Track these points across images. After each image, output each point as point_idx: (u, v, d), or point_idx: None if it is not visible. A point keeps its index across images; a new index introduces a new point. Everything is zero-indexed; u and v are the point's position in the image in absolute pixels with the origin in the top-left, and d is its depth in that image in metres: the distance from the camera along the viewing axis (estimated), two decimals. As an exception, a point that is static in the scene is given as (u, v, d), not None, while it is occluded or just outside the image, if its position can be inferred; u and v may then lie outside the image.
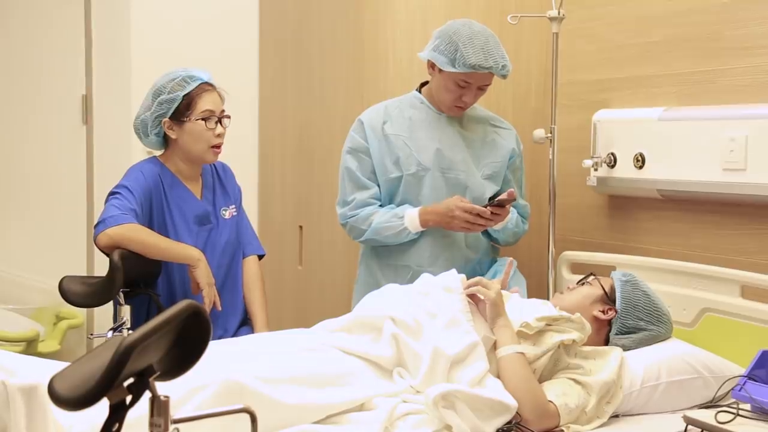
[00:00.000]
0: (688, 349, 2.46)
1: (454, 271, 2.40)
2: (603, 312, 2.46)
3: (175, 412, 1.31)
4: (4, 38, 4.45)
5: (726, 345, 2.53)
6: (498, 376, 2.15)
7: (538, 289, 3.07)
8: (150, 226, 2.65)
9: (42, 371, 1.93)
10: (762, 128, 2.57)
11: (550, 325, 2.26)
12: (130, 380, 1.26)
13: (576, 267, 3.09)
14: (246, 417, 1.40)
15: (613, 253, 3.02)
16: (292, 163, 3.82)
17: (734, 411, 1.99)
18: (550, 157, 3.01)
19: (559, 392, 2.14)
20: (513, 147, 2.92)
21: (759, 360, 2.15)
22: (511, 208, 2.84)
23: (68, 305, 2.66)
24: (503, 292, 2.36)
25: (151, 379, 1.27)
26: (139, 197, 2.62)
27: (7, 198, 4.47)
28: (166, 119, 2.67)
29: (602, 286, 2.51)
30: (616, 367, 2.24)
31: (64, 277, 2.54)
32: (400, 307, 2.23)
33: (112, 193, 2.63)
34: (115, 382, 1.21)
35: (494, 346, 2.20)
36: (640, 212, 3.02)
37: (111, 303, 2.64)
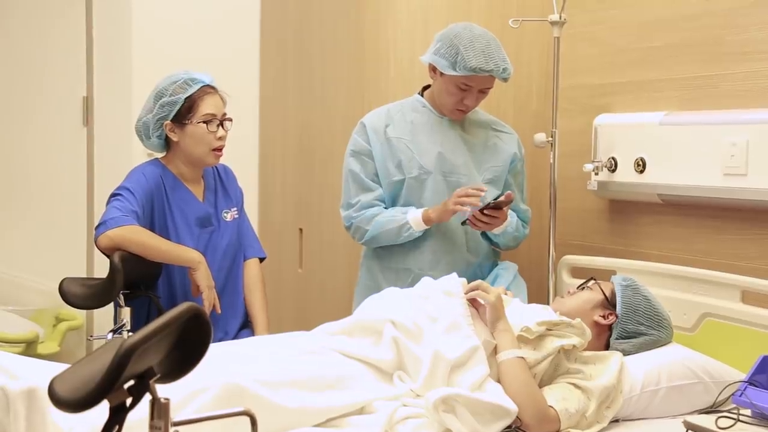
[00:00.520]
0: (688, 354, 2.46)
1: (454, 274, 2.40)
2: (603, 317, 2.45)
3: (175, 415, 1.31)
4: (5, 39, 4.45)
5: (726, 350, 2.53)
6: (498, 381, 2.15)
7: (538, 293, 3.07)
8: (151, 228, 2.65)
9: (42, 373, 1.93)
10: (763, 133, 2.56)
11: (550, 329, 2.25)
12: (131, 382, 1.26)
13: (576, 271, 3.09)
14: (246, 420, 1.39)
15: (614, 257, 3.02)
16: (292, 165, 3.82)
17: (735, 416, 1.99)
18: (551, 161, 3.01)
19: (560, 397, 2.14)
20: (515, 151, 2.92)
21: (760, 365, 2.15)
22: (512, 213, 2.83)
23: (68, 307, 2.66)
24: (503, 296, 2.36)
25: (151, 382, 1.27)
26: (141, 199, 2.62)
27: (8, 199, 4.47)
28: (168, 122, 2.67)
29: (602, 290, 2.50)
30: (617, 372, 2.23)
31: (64, 279, 2.54)
32: (400, 311, 2.23)
33: (113, 195, 2.63)
34: (115, 385, 1.21)
35: (494, 351, 2.20)
36: (640, 217, 3.02)
37: (111, 305, 2.64)
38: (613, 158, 3.02)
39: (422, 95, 2.92)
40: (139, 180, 2.66)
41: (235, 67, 3.84)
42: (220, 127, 2.71)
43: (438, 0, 3.25)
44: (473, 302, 2.29)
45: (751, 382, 2.08)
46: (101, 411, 1.25)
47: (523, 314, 2.35)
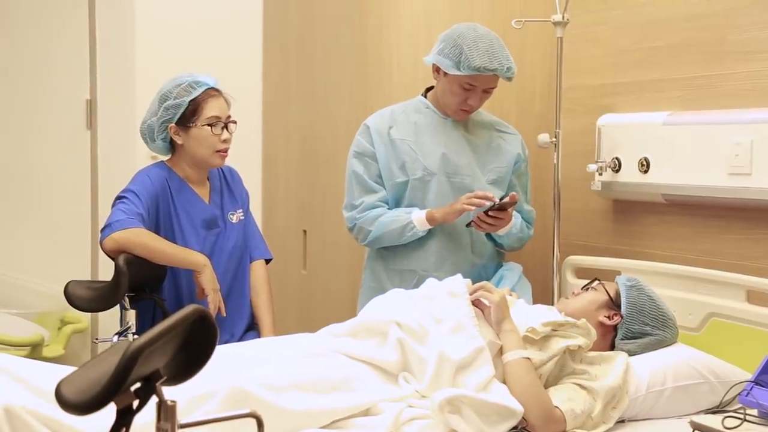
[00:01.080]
0: (693, 354, 2.46)
1: (459, 275, 2.40)
2: (608, 317, 2.45)
3: (180, 419, 1.31)
4: (8, 42, 4.46)
5: (732, 350, 2.52)
6: (504, 381, 2.15)
7: (543, 293, 3.07)
8: (157, 231, 2.65)
9: (47, 375, 1.94)
10: (767, 133, 2.56)
11: (555, 330, 2.25)
12: (137, 385, 1.26)
13: (581, 272, 3.09)
14: (252, 422, 1.40)
15: (618, 257, 3.01)
16: (295, 167, 3.82)
17: (741, 416, 1.99)
18: (555, 161, 3.01)
19: (565, 398, 2.14)
20: (518, 152, 2.92)
21: (766, 365, 2.15)
22: (516, 214, 2.83)
23: (73, 310, 2.66)
24: (508, 297, 2.36)
25: (157, 384, 1.27)
26: (146, 202, 2.62)
27: (12, 202, 4.48)
28: (173, 125, 2.68)
29: (607, 291, 2.50)
30: (622, 372, 2.23)
31: (69, 282, 2.54)
32: (405, 312, 2.24)
33: (119, 198, 2.63)
34: (122, 387, 1.21)
35: (500, 351, 2.20)
36: (644, 217, 3.02)
37: (116, 307, 2.64)
38: (616, 158, 3.02)
39: (425, 96, 2.92)
40: (144, 182, 2.67)
41: (238, 69, 3.84)
42: (225, 130, 2.71)
43: (441, 3, 3.26)
44: (478, 303, 2.29)
45: (757, 381, 2.08)
46: (105, 414, 1.25)
47: (528, 315, 2.35)
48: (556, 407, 2.12)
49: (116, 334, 2.54)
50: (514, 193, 2.70)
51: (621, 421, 2.24)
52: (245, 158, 3.79)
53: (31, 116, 4.39)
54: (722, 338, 2.59)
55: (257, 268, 2.89)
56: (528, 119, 3.35)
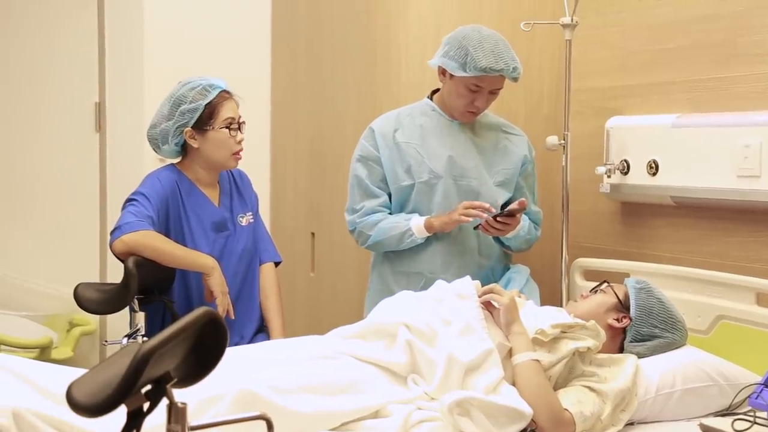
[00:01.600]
0: (703, 357, 2.45)
1: (468, 277, 2.40)
2: (617, 320, 2.45)
3: (190, 421, 1.31)
4: (17, 45, 4.47)
5: (741, 352, 2.52)
6: (513, 383, 2.14)
7: (551, 296, 3.07)
8: (167, 233, 2.66)
9: (57, 377, 1.94)
10: (776, 135, 2.56)
11: (565, 332, 2.25)
12: (148, 387, 1.26)
13: (589, 274, 3.09)
14: (262, 425, 1.40)
15: (627, 260, 3.01)
16: (304, 169, 3.83)
17: (751, 419, 1.99)
18: (564, 164, 3.01)
19: (575, 400, 2.14)
20: (525, 153, 2.92)
21: (775, 368, 2.14)
22: (524, 216, 2.83)
23: (81, 312, 2.67)
24: (517, 299, 2.35)
25: (168, 386, 1.27)
26: (156, 204, 2.63)
27: (21, 205, 4.49)
28: (189, 129, 2.68)
29: (616, 293, 2.50)
30: (631, 375, 2.23)
31: (79, 284, 2.55)
32: (414, 314, 2.23)
33: (128, 200, 2.64)
34: (133, 389, 1.21)
35: (509, 354, 2.20)
36: (653, 219, 3.02)
37: (125, 310, 2.64)
38: (625, 161, 3.02)
39: (431, 99, 2.92)
40: (154, 185, 2.67)
41: (246, 71, 3.84)
42: (239, 131, 2.72)
43: (449, 4, 3.26)
44: (487, 305, 2.29)
45: (767, 384, 2.07)
46: (114, 416, 1.25)
47: (537, 317, 2.35)
48: (566, 409, 2.11)
49: (125, 336, 2.55)
50: (523, 199, 2.69)
51: (630, 424, 2.24)
52: (253, 160, 3.78)
53: (40, 119, 4.41)
54: (731, 341, 2.59)
55: (267, 270, 2.89)
56: (536, 121, 3.35)
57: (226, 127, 2.69)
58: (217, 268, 2.63)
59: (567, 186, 3.02)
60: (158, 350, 1.21)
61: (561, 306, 2.85)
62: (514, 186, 2.90)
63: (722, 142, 2.70)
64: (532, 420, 2.05)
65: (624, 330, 2.46)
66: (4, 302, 4.21)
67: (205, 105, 2.67)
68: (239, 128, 2.73)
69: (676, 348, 2.50)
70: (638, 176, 2.98)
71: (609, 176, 3.05)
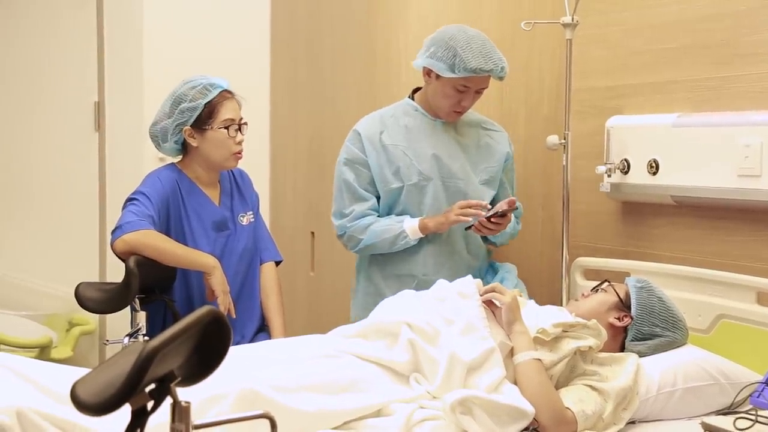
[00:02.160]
0: (703, 356, 2.46)
1: (469, 276, 2.40)
2: (618, 319, 2.45)
3: (194, 420, 1.31)
4: (16, 44, 4.47)
5: (742, 351, 2.52)
6: (515, 382, 2.15)
7: (551, 295, 3.07)
8: (167, 233, 2.66)
9: (58, 376, 1.94)
10: (777, 134, 2.56)
11: (566, 331, 2.26)
12: (152, 386, 1.26)
13: (589, 273, 3.09)
14: (265, 423, 1.40)
15: (627, 259, 3.01)
16: (303, 169, 3.83)
17: (753, 417, 1.99)
18: (564, 163, 3.01)
19: (576, 399, 2.14)
20: (507, 150, 2.93)
21: (777, 366, 2.14)
22: None
23: (80, 311, 2.67)
24: (519, 298, 2.36)
25: (172, 385, 1.27)
26: (157, 204, 2.63)
27: (20, 204, 4.49)
28: (188, 127, 2.68)
29: (617, 292, 2.50)
30: (633, 374, 2.23)
31: (80, 284, 2.55)
32: (416, 313, 2.24)
33: (129, 200, 2.64)
34: (137, 388, 1.21)
35: (510, 353, 2.20)
36: (653, 218, 3.02)
37: (125, 309, 2.64)
38: (625, 160, 3.02)
39: (412, 98, 2.91)
40: (154, 184, 2.67)
41: (246, 71, 3.84)
42: (239, 132, 2.72)
43: (449, 4, 3.26)
44: (489, 304, 2.29)
45: (768, 383, 2.08)
46: (117, 416, 1.25)
47: (538, 316, 2.36)
48: (567, 408, 2.12)
49: (127, 335, 2.54)
50: (512, 198, 2.70)
51: (632, 422, 2.24)
52: (253, 160, 3.78)
53: (39, 118, 4.41)
54: (732, 340, 2.59)
55: (267, 270, 2.89)
56: (537, 121, 3.35)
57: (225, 128, 2.69)
58: (219, 267, 2.63)
59: (567, 185, 3.02)
60: (162, 349, 1.21)
61: (561, 305, 2.85)
62: (498, 183, 2.90)
63: (723, 142, 2.70)
64: (534, 419, 2.05)
65: (625, 329, 2.46)
66: (3, 302, 4.21)
67: (205, 104, 2.67)
68: (240, 129, 2.72)
69: (677, 347, 2.50)
70: (639, 175, 2.98)
71: (609, 175, 3.05)
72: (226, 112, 2.69)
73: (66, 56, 4.20)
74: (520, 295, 2.51)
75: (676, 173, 2.86)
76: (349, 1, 3.51)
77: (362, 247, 2.82)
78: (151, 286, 2.60)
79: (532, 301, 2.55)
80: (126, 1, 3.86)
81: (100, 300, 2.54)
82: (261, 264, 2.89)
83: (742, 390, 2.31)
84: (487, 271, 2.94)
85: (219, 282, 2.61)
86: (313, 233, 3.75)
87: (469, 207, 2.68)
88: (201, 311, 1.28)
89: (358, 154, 2.84)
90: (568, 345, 2.22)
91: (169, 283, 2.67)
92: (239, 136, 2.72)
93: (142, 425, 1.26)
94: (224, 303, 2.61)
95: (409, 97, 2.92)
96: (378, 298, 2.54)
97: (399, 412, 2.01)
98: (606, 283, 2.56)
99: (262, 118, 3.99)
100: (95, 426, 1.77)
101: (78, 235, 4.13)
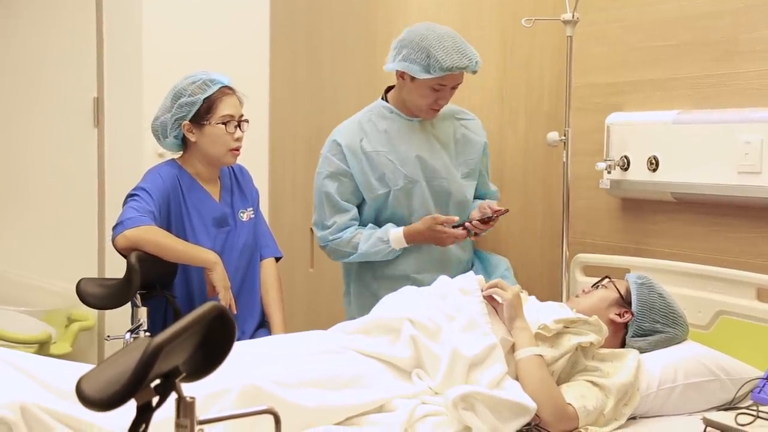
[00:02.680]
0: (704, 351, 2.46)
1: (471, 272, 2.42)
2: (619, 315, 2.46)
3: (197, 416, 1.32)
4: (15, 40, 4.46)
5: (742, 348, 2.52)
6: (516, 378, 2.15)
7: (551, 291, 3.07)
8: (168, 229, 2.66)
9: (59, 372, 1.94)
10: (777, 131, 2.57)
11: (567, 327, 2.26)
12: (157, 381, 1.26)
13: (589, 269, 3.09)
14: (268, 419, 1.40)
15: (627, 255, 3.01)
16: (303, 165, 3.82)
17: (754, 413, 1.99)
18: (564, 159, 3.01)
19: (578, 394, 2.15)
20: (484, 140, 2.93)
21: (778, 362, 2.15)
22: (484, 194, 2.92)
23: (80, 307, 2.67)
24: (521, 294, 2.36)
25: (177, 381, 1.28)
26: (158, 199, 2.63)
27: (19, 200, 4.48)
28: (186, 122, 2.68)
29: (617, 289, 2.50)
30: (633, 369, 2.24)
31: (81, 279, 2.55)
32: (418, 309, 2.24)
33: (130, 195, 2.64)
34: (143, 383, 1.21)
35: (512, 348, 2.20)
36: (653, 215, 3.02)
37: (126, 305, 2.64)
38: (625, 157, 3.02)
39: (385, 98, 2.89)
40: (155, 180, 2.67)
41: (245, 67, 3.83)
42: (238, 128, 2.72)
43: (449, 0, 3.25)
44: (490, 300, 2.29)
45: (769, 379, 2.08)
46: (120, 411, 1.26)
47: (539, 312, 2.36)
48: (569, 404, 2.12)
49: (128, 331, 2.54)
50: (498, 209, 2.72)
51: (632, 418, 2.25)
52: (252, 156, 3.79)
53: (38, 114, 4.40)
54: (732, 336, 2.59)
55: (267, 266, 2.90)
56: (537, 117, 3.35)
57: (224, 123, 2.68)
58: (219, 262, 2.63)
59: (567, 182, 3.02)
60: (168, 345, 1.21)
61: (561, 301, 2.85)
62: (478, 174, 2.91)
63: (723, 139, 2.70)
64: (535, 414, 2.05)
65: (626, 325, 2.46)
66: (2, 298, 4.21)
67: (204, 99, 2.67)
68: (239, 125, 2.72)
69: (678, 343, 2.51)
70: (638, 172, 2.98)
71: (609, 172, 3.05)
72: (224, 108, 2.69)
73: (65, 52, 4.20)
74: (522, 291, 2.51)
75: (676, 170, 2.86)
76: (349, -3, 3.51)
77: (351, 261, 2.83)
78: (152, 282, 2.60)
79: (533, 297, 2.55)
80: (125, -4, 3.86)
81: (101, 296, 2.54)
82: (261, 260, 2.89)
83: (743, 386, 2.31)
84: (473, 262, 2.94)
85: (220, 278, 2.61)
86: (312, 230, 3.74)
87: (436, 223, 2.69)
88: (205, 307, 1.28)
89: (339, 165, 2.81)
90: (570, 341, 2.22)
91: (170, 279, 2.68)
92: (238, 133, 2.72)
93: (147, 420, 1.26)
94: (225, 299, 2.61)
95: (381, 98, 2.90)
96: (372, 300, 2.53)
97: (401, 408, 2.01)
98: (606, 280, 2.57)
99: (262, 113, 3.99)
100: (99, 422, 1.77)
101: (77, 231, 4.13)
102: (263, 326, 2.85)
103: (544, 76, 3.38)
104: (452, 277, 2.42)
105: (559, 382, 2.20)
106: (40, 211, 4.42)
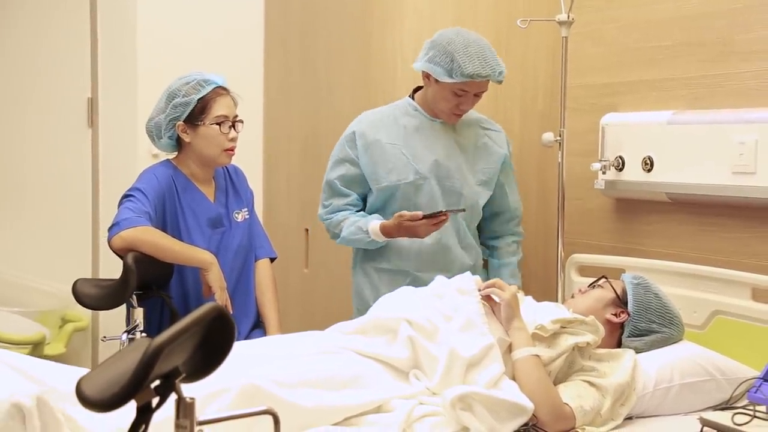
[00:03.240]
0: (699, 352, 2.47)
1: (468, 273, 2.42)
2: (615, 315, 2.46)
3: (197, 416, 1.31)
4: (9, 40, 4.44)
5: (737, 347, 2.53)
6: (513, 378, 2.15)
7: (547, 292, 3.07)
8: (163, 229, 2.65)
9: (55, 374, 1.94)
10: (772, 132, 2.57)
11: (564, 327, 2.26)
12: (157, 382, 1.26)
13: (584, 270, 3.10)
14: (267, 419, 1.40)
15: (622, 256, 3.02)
16: (297, 165, 3.82)
17: (751, 413, 2.00)
18: (559, 160, 3.01)
19: (574, 394, 2.15)
20: (505, 152, 2.94)
21: (775, 361, 2.15)
22: (505, 211, 2.94)
23: (74, 308, 2.67)
24: (517, 294, 2.36)
25: (177, 381, 1.28)
26: (153, 200, 2.63)
27: (13, 201, 4.46)
28: (180, 122, 2.68)
29: (614, 289, 2.51)
30: (630, 369, 2.24)
31: (77, 280, 2.54)
32: (415, 310, 2.24)
33: (125, 196, 2.63)
34: (143, 384, 1.21)
35: (509, 349, 2.21)
36: (648, 215, 3.03)
37: (122, 305, 2.64)
38: (620, 157, 3.03)
39: (413, 97, 2.91)
40: (150, 181, 2.67)
41: (239, 67, 3.84)
42: (232, 129, 2.71)
43: (445, 1, 3.25)
44: (487, 300, 2.30)
45: (766, 378, 2.09)
46: (120, 413, 1.25)
47: (536, 312, 2.36)
48: (566, 404, 2.12)
49: (125, 332, 2.54)
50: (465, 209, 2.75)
51: (629, 418, 2.25)
52: (247, 156, 3.77)
53: (32, 114, 4.38)
54: (727, 336, 2.60)
55: (262, 266, 2.90)
56: (532, 118, 3.35)
57: (218, 124, 2.68)
58: (216, 263, 2.63)
59: (562, 182, 3.03)
60: (168, 345, 1.21)
61: (557, 301, 2.86)
62: (495, 184, 2.92)
63: (717, 139, 2.71)
64: (533, 414, 2.06)
65: (622, 325, 2.47)
66: (-4, 298, 4.20)
67: (198, 100, 2.67)
68: (233, 126, 2.72)
69: (674, 343, 2.51)
70: (633, 172, 2.99)
71: (604, 172, 3.06)
72: (218, 108, 2.69)
73: (59, 52, 4.18)
74: (519, 291, 2.52)
75: (671, 170, 2.87)
76: (344, -2, 3.51)
77: (339, 243, 2.88)
78: (148, 283, 2.60)
79: (530, 297, 2.56)
80: (120, -4, 3.85)
81: (97, 296, 2.54)
82: (256, 261, 2.89)
83: (739, 386, 2.32)
84: (475, 268, 2.94)
85: (216, 278, 2.61)
86: (307, 230, 3.75)
87: (403, 219, 2.67)
88: (205, 308, 1.28)
89: (348, 153, 2.86)
90: (566, 341, 2.23)
91: (166, 280, 2.67)
92: (232, 133, 2.72)
93: (147, 421, 1.26)
94: (221, 299, 2.61)
95: (410, 96, 2.92)
96: (375, 293, 2.56)
97: (399, 409, 2.01)
98: (603, 280, 2.57)
99: (256, 114, 3.99)
100: (96, 424, 1.77)
101: (71, 232, 4.12)
102: (258, 327, 2.85)
103: (539, 76, 3.38)
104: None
105: (556, 382, 2.21)
106: (34, 211, 4.40)
